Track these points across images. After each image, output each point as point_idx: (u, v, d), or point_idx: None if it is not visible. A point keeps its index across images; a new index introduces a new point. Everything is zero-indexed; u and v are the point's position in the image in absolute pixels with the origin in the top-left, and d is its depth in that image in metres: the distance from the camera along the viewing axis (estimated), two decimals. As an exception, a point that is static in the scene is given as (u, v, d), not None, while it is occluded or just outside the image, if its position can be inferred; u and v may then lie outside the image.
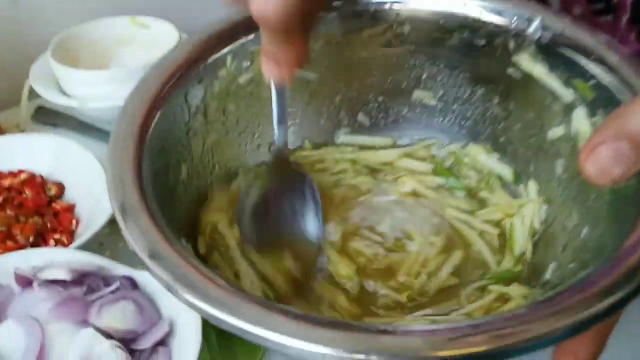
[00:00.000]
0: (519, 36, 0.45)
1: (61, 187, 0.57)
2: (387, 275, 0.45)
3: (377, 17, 0.48)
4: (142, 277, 0.42)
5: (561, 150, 0.44)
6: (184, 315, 0.40)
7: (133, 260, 0.43)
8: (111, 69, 0.67)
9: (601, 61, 0.41)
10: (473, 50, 0.47)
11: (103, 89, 0.63)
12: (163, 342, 0.40)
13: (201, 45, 0.46)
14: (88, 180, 0.55)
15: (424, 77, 0.51)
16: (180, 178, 0.44)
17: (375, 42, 0.49)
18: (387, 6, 0.48)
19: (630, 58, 0.40)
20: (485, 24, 0.46)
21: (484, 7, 0.46)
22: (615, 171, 0.28)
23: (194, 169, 0.46)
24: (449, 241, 0.46)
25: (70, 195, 0.57)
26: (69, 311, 0.39)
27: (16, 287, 0.42)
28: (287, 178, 0.46)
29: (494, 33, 0.46)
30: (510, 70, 0.46)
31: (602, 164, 0.28)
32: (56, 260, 0.43)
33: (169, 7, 0.73)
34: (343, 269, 0.44)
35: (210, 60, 0.45)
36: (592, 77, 0.41)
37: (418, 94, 0.52)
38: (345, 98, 0.52)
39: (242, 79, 0.48)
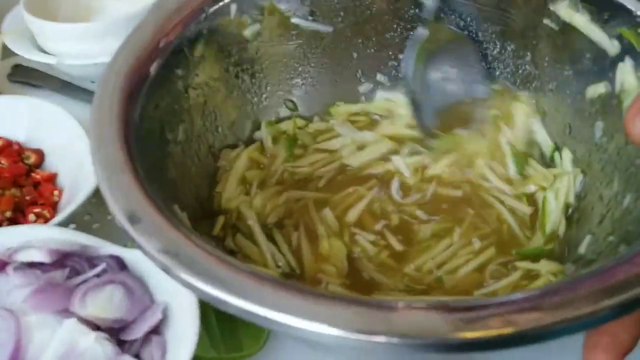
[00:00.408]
0: None
1: (40, 154, 0.54)
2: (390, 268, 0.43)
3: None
4: (131, 256, 0.39)
5: (601, 111, 0.42)
6: (179, 299, 0.36)
7: (121, 236, 0.40)
8: (92, 22, 0.64)
9: None
10: (504, 0, 0.45)
11: (84, 43, 0.60)
12: (156, 330, 0.37)
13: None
14: (69, 146, 0.52)
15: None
16: (178, 139, 0.42)
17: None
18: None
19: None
20: None
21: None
22: None
23: (194, 130, 0.44)
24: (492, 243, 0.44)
25: (50, 163, 0.54)
26: (48, 299, 0.36)
27: (-13, 272, 0.38)
28: None
29: None
30: (547, 21, 0.43)
31: None
32: (34, 239, 0.39)
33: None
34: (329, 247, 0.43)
35: (212, 9, 0.43)
36: None
37: None
38: (362, 55, 0.50)
39: (248, 32, 0.46)
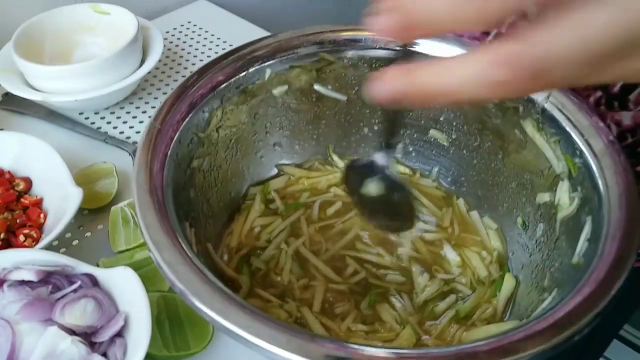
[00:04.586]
0: (529, 102, 0.54)
1: (28, 182, 0.63)
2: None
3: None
4: (101, 274, 0.51)
5: (545, 215, 0.53)
6: (137, 309, 0.48)
7: (97, 252, 0.57)
8: (74, 64, 0.75)
9: (589, 144, 0.48)
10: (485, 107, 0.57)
11: (67, 82, 0.72)
12: (119, 334, 0.48)
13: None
14: (52, 174, 0.62)
15: (441, 119, 0.63)
16: (201, 168, 0.56)
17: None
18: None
19: (612, 146, 0.47)
20: None
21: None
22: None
23: (215, 162, 0.59)
24: None
25: (36, 189, 0.63)
26: (35, 311, 0.47)
27: (-14, 290, 0.48)
28: None
29: None
30: (517, 132, 0.55)
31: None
32: (24, 261, 0.51)
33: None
34: None
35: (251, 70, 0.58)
36: (580, 155, 0.49)
37: (433, 133, 0.64)
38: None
39: (277, 91, 0.60)
